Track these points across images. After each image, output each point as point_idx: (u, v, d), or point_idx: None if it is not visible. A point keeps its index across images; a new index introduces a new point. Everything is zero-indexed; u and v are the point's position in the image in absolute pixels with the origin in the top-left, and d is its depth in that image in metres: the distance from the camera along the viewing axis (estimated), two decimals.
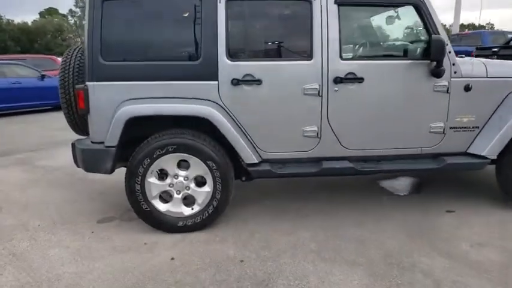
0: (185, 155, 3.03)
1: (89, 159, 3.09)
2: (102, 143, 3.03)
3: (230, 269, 2.65)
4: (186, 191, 3.13)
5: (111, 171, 3.06)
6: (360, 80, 3.09)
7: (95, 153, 3.05)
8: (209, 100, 3.04)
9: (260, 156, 3.17)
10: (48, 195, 4.15)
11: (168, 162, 3.04)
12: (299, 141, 3.17)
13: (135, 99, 3.00)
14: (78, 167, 3.27)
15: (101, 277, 2.59)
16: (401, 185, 4.21)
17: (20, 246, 3.01)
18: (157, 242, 3.03)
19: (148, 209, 3.09)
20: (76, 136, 3.53)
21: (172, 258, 2.80)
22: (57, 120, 9.40)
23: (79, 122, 3.34)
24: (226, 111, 3.06)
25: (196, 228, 3.16)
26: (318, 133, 3.15)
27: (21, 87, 10.39)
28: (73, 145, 3.25)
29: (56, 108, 11.40)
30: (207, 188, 3.11)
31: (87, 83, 3.00)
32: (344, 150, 3.22)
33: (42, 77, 10.86)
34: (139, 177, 3.03)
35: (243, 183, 3.44)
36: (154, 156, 2.99)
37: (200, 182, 3.17)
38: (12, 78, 10.34)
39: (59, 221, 3.47)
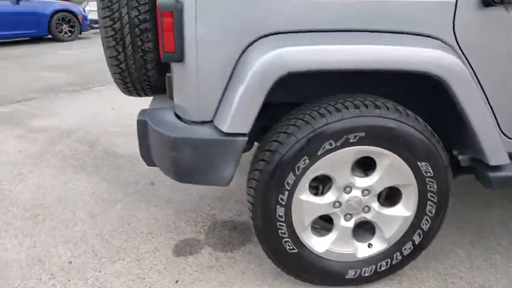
0: (375, 149, 1.50)
1: (192, 161, 1.47)
2: (210, 122, 1.45)
3: None
4: (363, 215, 1.64)
5: (230, 181, 1.51)
6: None
7: (206, 148, 1.45)
8: (434, 37, 1.46)
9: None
10: (67, 187, 2.56)
11: (341, 162, 1.51)
12: None
13: (285, 33, 1.40)
14: (149, 165, 1.67)
15: None
16: None
17: None
18: None
19: (296, 251, 1.61)
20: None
21: None
22: (39, 56, 7.47)
23: (139, 74, 1.72)
24: (464, 62, 1.49)
25: (375, 279, 1.73)
26: None
27: None
28: (142, 124, 1.61)
29: (34, 40, 9.34)
30: (403, 211, 1.63)
31: None
32: None
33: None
34: (286, 193, 1.51)
35: None
36: (320, 152, 1.45)
37: (384, 197, 1.70)
38: None
39: (102, 252, 1.94)
